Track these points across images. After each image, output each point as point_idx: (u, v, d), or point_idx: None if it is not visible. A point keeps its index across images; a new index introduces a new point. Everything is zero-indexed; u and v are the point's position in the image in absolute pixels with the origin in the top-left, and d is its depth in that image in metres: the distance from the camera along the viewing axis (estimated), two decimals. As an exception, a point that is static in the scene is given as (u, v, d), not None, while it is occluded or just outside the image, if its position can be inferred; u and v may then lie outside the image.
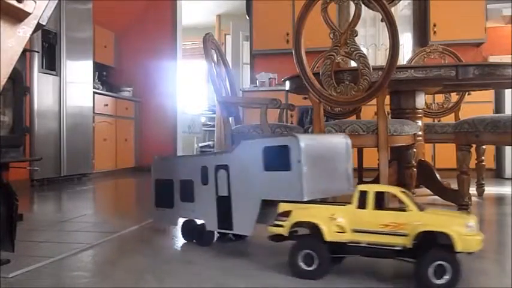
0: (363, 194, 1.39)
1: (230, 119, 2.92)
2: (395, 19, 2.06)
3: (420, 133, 2.83)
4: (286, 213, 1.47)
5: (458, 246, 1.23)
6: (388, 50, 2.11)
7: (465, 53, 5.06)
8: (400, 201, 1.37)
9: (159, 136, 6.35)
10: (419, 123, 2.81)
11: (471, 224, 1.27)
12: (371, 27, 5.80)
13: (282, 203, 1.51)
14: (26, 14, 0.98)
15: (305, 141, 1.49)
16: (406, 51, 5.62)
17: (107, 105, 5.57)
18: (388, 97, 2.59)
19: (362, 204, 1.38)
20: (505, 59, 5.06)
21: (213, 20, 9.18)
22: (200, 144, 8.64)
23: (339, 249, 1.41)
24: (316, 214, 1.42)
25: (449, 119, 3.68)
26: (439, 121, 3.71)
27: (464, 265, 1.32)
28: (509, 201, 3.26)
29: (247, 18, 6.14)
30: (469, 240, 1.24)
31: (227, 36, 8.84)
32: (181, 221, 1.99)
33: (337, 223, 1.38)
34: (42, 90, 4.38)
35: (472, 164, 2.89)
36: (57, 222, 2.50)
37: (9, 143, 2.41)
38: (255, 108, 3.01)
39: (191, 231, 1.93)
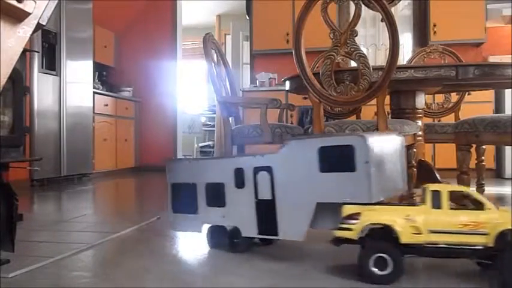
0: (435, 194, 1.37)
1: (230, 119, 2.92)
2: (395, 19, 2.06)
3: (420, 133, 2.82)
4: (354, 216, 1.40)
5: None
6: (388, 50, 2.10)
7: (465, 53, 5.06)
8: (474, 201, 1.36)
9: (159, 136, 6.35)
10: (419, 123, 2.80)
11: None
12: (371, 27, 5.80)
13: (346, 206, 1.44)
14: (26, 14, 0.98)
15: (371, 140, 1.44)
16: (406, 51, 5.62)
17: (107, 105, 5.57)
18: (388, 97, 2.59)
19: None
20: (505, 59, 5.06)
21: (213, 20, 9.17)
22: (200, 144, 8.64)
23: (412, 251, 1.37)
24: (390, 216, 1.37)
25: (449, 119, 3.68)
26: (439, 121, 3.71)
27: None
28: (509, 201, 3.26)
29: (247, 18, 6.14)
30: None
31: (227, 36, 8.83)
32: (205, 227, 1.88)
33: (413, 224, 1.34)
34: (42, 90, 4.38)
35: (472, 164, 2.89)
36: (57, 222, 2.50)
37: (9, 143, 2.41)
38: (255, 108, 3.01)
39: (220, 237, 1.80)
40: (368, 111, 3.60)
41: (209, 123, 8.78)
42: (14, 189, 1.65)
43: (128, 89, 6.27)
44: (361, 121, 2.34)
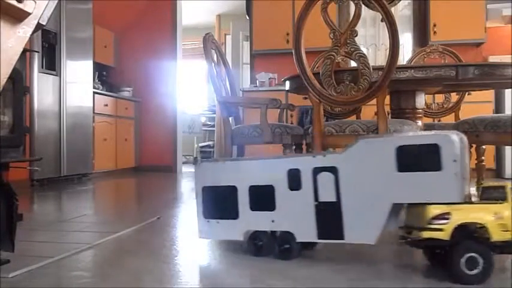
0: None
1: (230, 119, 2.92)
2: (395, 19, 2.06)
3: (420, 133, 2.82)
4: (444, 216, 1.37)
5: None
6: (388, 50, 2.11)
7: (465, 53, 5.05)
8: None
9: (159, 136, 6.35)
10: (419, 123, 2.80)
11: None
12: (371, 27, 5.80)
13: (431, 206, 1.39)
14: (26, 14, 0.98)
15: (456, 138, 1.40)
16: (406, 51, 5.62)
17: (106, 105, 5.57)
18: (388, 97, 2.59)
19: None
20: (505, 59, 5.06)
21: (213, 20, 9.17)
22: (200, 144, 8.64)
23: (501, 248, 1.37)
24: (480, 214, 1.36)
25: (449, 119, 3.68)
26: (439, 121, 3.71)
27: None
28: (509, 201, 3.25)
29: (247, 18, 6.14)
30: None
31: (227, 36, 8.83)
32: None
33: (502, 221, 1.35)
34: (42, 90, 4.38)
35: (472, 164, 2.89)
36: (57, 222, 2.50)
37: (9, 143, 2.41)
38: (255, 108, 3.01)
39: (267, 244, 1.68)
40: (368, 111, 3.60)
41: (209, 123, 8.79)
42: (14, 189, 1.65)
43: (128, 89, 6.27)
44: (361, 121, 2.35)
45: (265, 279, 1.45)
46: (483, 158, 3.34)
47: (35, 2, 0.99)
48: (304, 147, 3.02)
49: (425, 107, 3.07)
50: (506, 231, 1.34)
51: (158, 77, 6.39)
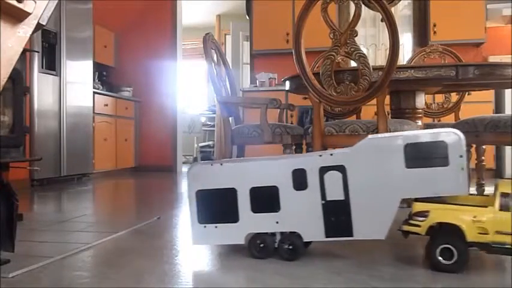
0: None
1: (230, 119, 2.92)
2: (395, 19, 2.06)
3: (420, 133, 2.82)
4: (423, 213, 1.49)
5: None
6: (388, 50, 2.11)
7: (465, 53, 5.06)
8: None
9: (159, 136, 6.35)
10: (419, 123, 2.80)
11: None
12: (371, 27, 5.80)
13: (417, 203, 1.52)
14: (26, 14, 0.98)
15: (462, 136, 1.49)
16: (406, 51, 5.62)
17: (106, 105, 5.57)
18: (388, 97, 2.59)
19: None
20: (505, 59, 5.06)
21: (213, 20, 9.18)
22: (200, 144, 8.64)
23: (478, 247, 1.45)
24: (458, 216, 1.45)
25: (449, 119, 3.68)
26: (439, 121, 3.71)
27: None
28: (509, 201, 3.25)
29: (247, 18, 6.14)
30: None
31: (227, 36, 8.84)
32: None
33: (480, 225, 1.42)
34: (42, 90, 4.38)
35: (472, 164, 2.89)
36: (57, 222, 2.50)
37: (9, 143, 2.41)
38: (255, 108, 3.01)
39: (269, 246, 1.67)
40: (368, 111, 3.61)
41: (209, 123, 8.79)
42: (14, 189, 1.65)
43: (128, 89, 6.27)
44: (361, 121, 2.35)
45: (265, 279, 1.45)
46: (483, 158, 3.34)
47: (35, 2, 0.99)
48: (304, 147, 3.02)
49: (425, 107, 3.07)
50: (485, 234, 1.42)
51: (158, 77, 6.39)
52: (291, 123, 5.21)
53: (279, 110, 3.24)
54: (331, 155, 1.59)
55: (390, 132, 2.21)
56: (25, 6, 0.95)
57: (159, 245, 1.94)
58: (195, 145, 8.53)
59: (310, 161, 1.61)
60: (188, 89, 8.70)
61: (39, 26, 1.08)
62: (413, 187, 1.50)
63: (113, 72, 6.39)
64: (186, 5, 7.19)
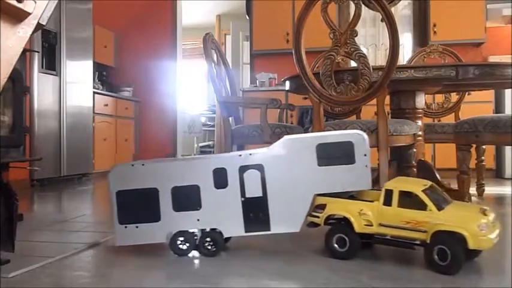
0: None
1: (230, 119, 2.92)
2: (395, 19, 2.06)
3: (420, 133, 2.82)
4: (322, 206, 1.67)
5: (471, 245, 1.40)
6: (388, 50, 2.11)
7: (465, 53, 5.06)
8: (420, 202, 1.51)
9: (159, 136, 6.35)
10: (419, 123, 2.80)
11: (484, 224, 1.41)
12: (371, 27, 5.80)
13: (318, 197, 1.67)
14: (26, 14, 0.98)
15: (366, 136, 1.64)
16: (406, 51, 5.62)
17: (106, 105, 5.57)
18: (388, 97, 2.59)
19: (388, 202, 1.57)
20: (505, 59, 5.06)
21: (213, 20, 9.17)
22: (200, 144, 8.64)
23: (368, 238, 1.61)
24: (347, 208, 1.62)
25: (449, 119, 3.68)
26: (439, 121, 3.71)
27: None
28: (509, 201, 3.26)
29: (247, 18, 6.14)
30: (481, 239, 1.41)
31: (227, 36, 8.83)
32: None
33: (366, 217, 1.59)
34: (42, 90, 4.38)
35: (472, 164, 2.89)
36: (57, 222, 2.50)
37: (9, 143, 2.41)
38: (255, 108, 3.01)
39: (190, 243, 1.73)
40: (368, 111, 3.60)
41: (209, 123, 8.79)
42: (14, 189, 1.65)
43: (128, 89, 6.26)
44: (361, 121, 2.34)
45: (263, 278, 1.45)
46: (483, 158, 3.34)
47: (35, 2, 0.99)
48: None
49: (425, 107, 3.07)
50: (370, 225, 1.58)
51: (158, 77, 6.39)
52: (291, 123, 5.21)
53: (279, 110, 3.24)
54: (251, 154, 1.69)
55: (390, 132, 2.21)
56: (25, 6, 0.95)
57: (160, 245, 1.93)
58: (195, 145, 8.53)
59: (231, 161, 1.70)
60: (188, 89, 8.69)
61: (39, 26, 1.08)
62: (324, 183, 1.64)
63: (113, 72, 6.38)
64: (186, 5, 7.19)
